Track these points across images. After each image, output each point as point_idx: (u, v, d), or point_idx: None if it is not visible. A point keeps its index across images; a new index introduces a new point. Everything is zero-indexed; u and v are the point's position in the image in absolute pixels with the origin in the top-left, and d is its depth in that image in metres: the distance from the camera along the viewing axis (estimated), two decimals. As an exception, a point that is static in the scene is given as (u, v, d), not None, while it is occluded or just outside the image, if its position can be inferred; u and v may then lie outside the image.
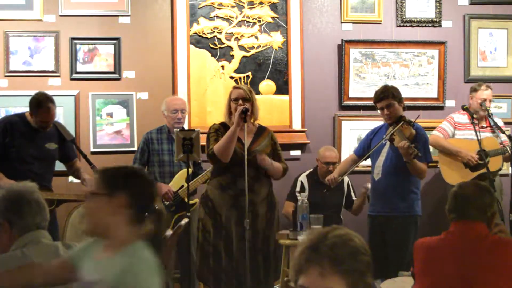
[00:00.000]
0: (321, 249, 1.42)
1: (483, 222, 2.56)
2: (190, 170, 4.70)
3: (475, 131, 4.56)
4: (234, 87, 4.14)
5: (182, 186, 4.61)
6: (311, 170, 5.04)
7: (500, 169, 4.85)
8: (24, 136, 4.27)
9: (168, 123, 4.80)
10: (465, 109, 4.76)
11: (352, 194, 4.98)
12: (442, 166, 5.02)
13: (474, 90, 5.07)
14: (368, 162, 4.49)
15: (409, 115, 5.47)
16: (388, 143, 4.24)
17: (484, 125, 4.98)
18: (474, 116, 4.82)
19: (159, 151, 4.75)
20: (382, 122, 4.48)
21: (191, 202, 4.62)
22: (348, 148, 5.43)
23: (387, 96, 4.22)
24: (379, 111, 4.33)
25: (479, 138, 4.54)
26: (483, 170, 4.71)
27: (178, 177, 4.65)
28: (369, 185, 4.59)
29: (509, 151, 4.70)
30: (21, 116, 4.36)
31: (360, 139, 5.26)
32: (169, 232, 3.26)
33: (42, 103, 4.19)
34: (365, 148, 4.42)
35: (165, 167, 4.73)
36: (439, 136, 5.01)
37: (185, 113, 4.82)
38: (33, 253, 2.13)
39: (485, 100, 4.96)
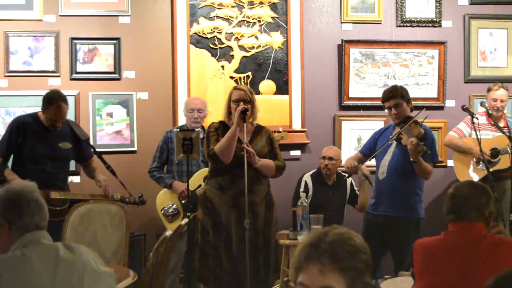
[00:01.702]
0: (321, 246, 1.43)
1: (481, 222, 2.56)
2: (207, 169, 4.72)
3: (474, 130, 4.56)
4: (235, 88, 4.13)
5: (200, 185, 4.64)
6: (315, 170, 5.04)
7: (511, 167, 4.86)
8: (36, 135, 4.28)
9: (187, 123, 4.84)
10: (465, 109, 4.76)
11: (357, 191, 4.98)
12: (456, 164, 5.09)
13: (489, 89, 5.09)
14: (373, 162, 4.47)
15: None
16: (394, 143, 4.23)
17: (501, 125, 4.99)
18: (474, 115, 4.80)
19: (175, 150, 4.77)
20: (382, 122, 4.48)
21: None
22: (348, 148, 5.43)
23: (395, 95, 4.21)
24: (386, 111, 4.32)
25: (478, 137, 4.54)
26: (495, 168, 4.74)
27: (196, 177, 4.67)
28: (364, 168, 4.58)
29: None
30: (33, 115, 4.37)
31: (360, 139, 5.26)
32: (169, 232, 3.26)
33: (53, 100, 4.20)
34: (371, 148, 4.39)
35: (183, 166, 4.74)
36: (453, 136, 5.06)
37: (202, 113, 4.83)
38: (33, 254, 2.13)
39: (495, 100, 4.98)
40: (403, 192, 4.18)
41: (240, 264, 3.94)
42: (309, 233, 1.56)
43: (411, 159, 4.03)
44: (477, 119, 4.88)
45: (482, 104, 4.87)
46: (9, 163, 4.36)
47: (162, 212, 4.71)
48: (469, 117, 5.07)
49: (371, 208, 4.33)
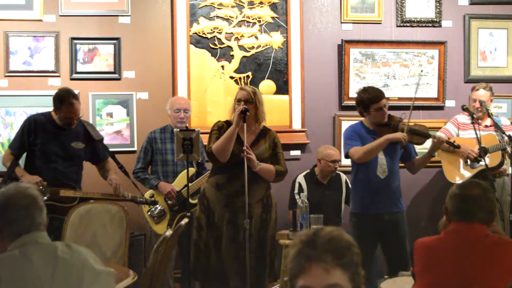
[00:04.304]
0: (319, 245, 1.42)
1: (484, 222, 2.55)
2: (194, 169, 4.72)
3: (475, 130, 4.57)
4: (240, 88, 4.14)
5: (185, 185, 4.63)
6: (308, 170, 5.03)
7: (500, 165, 4.87)
8: (48, 134, 4.29)
9: (171, 123, 4.82)
10: (464, 109, 4.77)
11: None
12: (444, 164, 5.12)
13: (472, 89, 5.14)
14: (347, 161, 4.52)
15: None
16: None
17: (488, 124, 5.01)
18: (474, 116, 4.84)
19: (162, 151, 4.77)
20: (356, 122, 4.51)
21: (194, 201, 4.64)
22: (348, 148, 5.43)
23: (384, 95, 4.30)
24: (372, 111, 4.24)
25: (478, 136, 4.56)
26: (483, 167, 4.75)
27: (182, 177, 4.65)
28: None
29: (507, 147, 4.72)
30: (46, 114, 4.38)
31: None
32: (169, 232, 3.26)
33: (64, 98, 4.20)
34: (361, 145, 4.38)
35: (168, 166, 4.75)
36: (441, 136, 5.07)
37: (188, 113, 4.83)
38: (32, 253, 2.12)
39: (475, 100, 5.01)
40: (399, 187, 4.36)
41: (229, 264, 3.93)
42: (294, 237, 1.55)
43: (431, 153, 4.31)
44: (478, 119, 4.90)
45: (463, 107, 4.84)
46: (21, 162, 4.37)
47: (149, 213, 4.69)
48: (456, 117, 5.15)
49: (371, 208, 4.29)
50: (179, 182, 4.67)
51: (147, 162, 4.80)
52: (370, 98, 4.25)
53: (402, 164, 4.44)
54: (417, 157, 4.45)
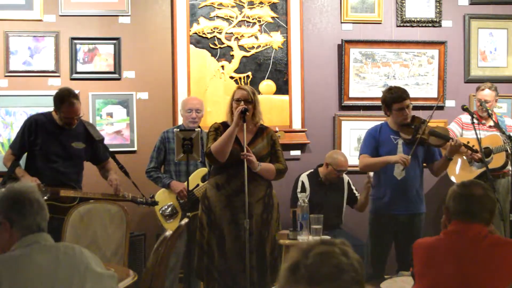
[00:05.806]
0: (300, 271, 1.39)
1: (485, 222, 2.54)
2: (206, 169, 4.73)
3: (475, 130, 4.57)
4: (238, 87, 4.15)
5: (198, 185, 4.64)
6: (311, 170, 5.03)
7: (504, 166, 4.87)
8: (49, 134, 4.30)
9: (184, 122, 4.84)
10: (465, 109, 4.76)
11: (355, 191, 4.98)
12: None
13: (477, 89, 5.15)
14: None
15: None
16: (400, 142, 4.32)
17: (492, 125, 5.01)
18: (474, 116, 4.83)
19: (175, 150, 4.77)
20: (382, 122, 4.49)
21: None
22: (348, 148, 5.43)
23: (407, 96, 4.32)
24: (394, 111, 4.30)
25: (478, 137, 4.56)
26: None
27: (194, 176, 4.67)
28: (371, 174, 4.65)
29: (508, 147, 4.73)
30: (46, 114, 4.39)
31: (360, 139, 5.23)
32: (168, 232, 3.26)
33: (64, 98, 4.21)
34: (376, 148, 4.40)
35: (181, 165, 4.75)
36: (459, 140, 5.08)
37: (200, 113, 4.83)
38: (34, 254, 2.12)
39: (480, 100, 5.00)
40: (420, 189, 4.40)
41: (232, 263, 3.94)
42: (295, 247, 1.50)
43: (448, 157, 4.30)
44: (477, 119, 4.90)
45: (463, 108, 4.80)
46: (22, 162, 4.37)
47: (160, 212, 4.71)
48: (460, 117, 5.15)
49: (387, 209, 4.34)
50: (191, 181, 4.67)
51: (160, 162, 4.81)
52: (393, 97, 4.30)
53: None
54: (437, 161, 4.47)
